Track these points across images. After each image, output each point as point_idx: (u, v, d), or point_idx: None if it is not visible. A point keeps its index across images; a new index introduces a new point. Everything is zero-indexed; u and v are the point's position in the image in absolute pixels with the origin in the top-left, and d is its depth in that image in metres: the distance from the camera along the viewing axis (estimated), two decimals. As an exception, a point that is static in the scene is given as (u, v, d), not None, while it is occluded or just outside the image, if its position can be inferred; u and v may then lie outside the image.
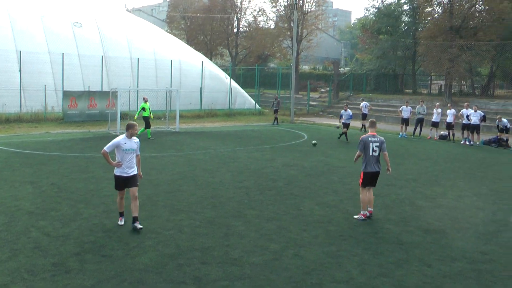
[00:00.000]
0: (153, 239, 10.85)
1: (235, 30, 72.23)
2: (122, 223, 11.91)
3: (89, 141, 26.22)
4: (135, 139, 11.80)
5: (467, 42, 41.93)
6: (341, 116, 30.04)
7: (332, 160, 22.09)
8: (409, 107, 33.09)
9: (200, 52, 55.36)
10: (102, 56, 39.85)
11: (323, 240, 11.14)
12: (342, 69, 74.71)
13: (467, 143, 30.01)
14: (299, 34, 60.91)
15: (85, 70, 39.54)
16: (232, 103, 47.43)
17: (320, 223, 12.50)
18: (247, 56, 71.70)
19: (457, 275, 9.33)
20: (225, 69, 55.33)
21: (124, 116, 32.98)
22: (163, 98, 35.16)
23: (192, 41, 70.30)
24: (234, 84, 49.06)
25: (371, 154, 12.75)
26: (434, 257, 10.26)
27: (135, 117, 28.54)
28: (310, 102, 52.31)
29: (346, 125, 29.59)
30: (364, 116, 36.55)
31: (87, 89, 37.44)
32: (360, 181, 12.96)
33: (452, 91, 46.74)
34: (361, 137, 13.07)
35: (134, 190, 11.68)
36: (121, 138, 11.63)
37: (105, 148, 11.54)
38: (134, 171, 11.78)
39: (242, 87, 52.04)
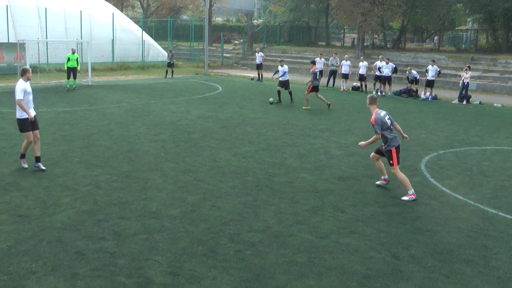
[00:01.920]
0: (70, 196, 10.70)
1: (146, -20, 70.53)
2: (26, 165, 12.76)
3: (-3, 96, 25.27)
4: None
5: (379, -4, 42.68)
6: (276, 72, 27.45)
7: (247, 111, 22.25)
8: (322, 59, 33.54)
9: (110, 3, 53.77)
10: (6, 6, 37.95)
11: (240, 191, 11.33)
12: (255, 21, 74.49)
13: (379, 94, 30.87)
14: (212, -15, 60.18)
15: (-13, 20, 37.63)
16: (145, 55, 46.64)
17: (236, 174, 12.67)
18: (159, 8, 70.29)
19: (369, 219, 9.79)
20: (136, 21, 54.11)
21: (34, 69, 31.83)
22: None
23: (101, -9, 68.13)
24: (146, 36, 48.13)
25: (391, 127, 11.42)
26: (348, 203, 10.68)
27: (65, 68, 28.84)
28: (224, 54, 52.16)
29: (283, 84, 26.09)
30: (259, 67, 37.18)
31: (-7, 41, 35.76)
32: (395, 160, 11.32)
33: (365, 44, 47.65)
34: (374, 118, 11.32)
35: (38, 132, 12.83)
36: (24, 84, 12.42)
37: (18, 97, 12.19)
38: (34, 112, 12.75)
39: (155, 40, 51.12)
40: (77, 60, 28.86)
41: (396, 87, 32.40)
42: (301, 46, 53.08)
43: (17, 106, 12.44)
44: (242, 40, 55.38)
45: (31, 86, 12.70)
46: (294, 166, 13.47)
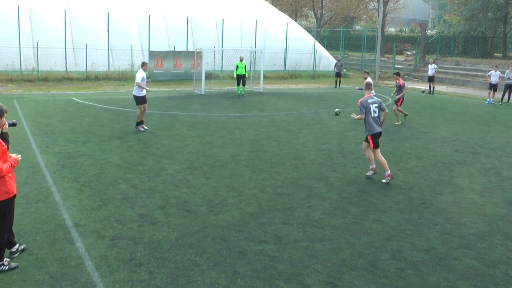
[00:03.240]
0: (235, 198, 11.09)
1: (321, -9, 71.21)
2: (143, 129, 18.17)
3: (175, 99, 26.75)
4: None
5: None
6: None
7: (415, 125, 21.65)
8: (498, 72, 31.73)
9: (285, 13, 54.95)
10: (187, 17, 40.29)
11: (404, 207, 11.02)
12: (429, 31, 72.34)
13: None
14: (386, -5, 59.42)
15: (170, 31, 40.22)
16: (316, 65, 47.06)
17: (401, 189, 12.36)
18: (332, 18, 70.67)
19: (545, 251, 8.99)
20: (309, 31, 54.78)
21: (208, 75, 33.40)
22: (247, 59, 35.28)
23: (277, 2, 69.80)
24: (318, 46, 48.54)
25: (372, 115, 12.74)
26: (520, 231, 9.94)
27: (234, 76, 30.23)
28: (396, 65, 51.21)
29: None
30: (431, 79, 35.81)
31: (173, 49, 38.07)
32: (371, 145, 12.90)
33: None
34: (360, 100, 12.87)
35: (146, 105, 18.50)
36: (143, 73, 18.15)
37: (138, 80, 18.01)
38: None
39: (327, 49, 51.44)
40: (245, 67, 29.99)
41: None
42: (475, 58, 50.65)
43: (136, 87, 18.20)
44: (414, 51, 54.07)
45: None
46: (462, 186, 12.87)
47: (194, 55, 34.64)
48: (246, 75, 30.39)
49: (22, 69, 33.93)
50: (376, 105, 12.80)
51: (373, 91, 13.15)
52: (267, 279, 7.46)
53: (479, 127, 21.88)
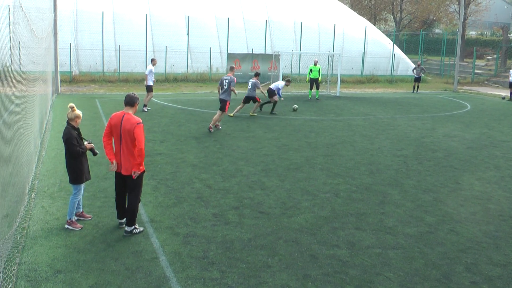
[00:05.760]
0: (309, 201, 11.08)
1: (400, -6, 70.14)
2: (147, 110, 22.63)
3: (251, 101, 26.96)
4: None
5: None
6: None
7: (495, 133, 21.01)
8: None
9: (363, 17, 54.40)
10: (266, 21, 40.59)
11: (481, 218, 10.65)
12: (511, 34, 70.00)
13: None
14: (468, -3, 57.83)
15: (249, 33, 40.64)
16: (394, 69, 46.39)
17: (478, 199, 11.99)
18: (412, 21, 69.49)
19: None
20: (388, 35, 54.02)
21: (285, 78, 33.46)
22: (324, 63, 35.18)
23: (356, 6, 69.28)
24: (397, 50, 47.78)
25: (223, 87, 18.59)
26: None
27: (307, 80, 30.02)
28: (475, 70, 49.81)
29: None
30: (510, 85, 34.39)
31: (251, 52, 38.43)
32: (226, 109, 18.70)
33: None
34: (222, 78, 18.96)
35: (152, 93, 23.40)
36: (152, 67, 22.85)
37: (146, 72, 22.89)
38: None
39: (405, 53, 50.55)
40: (319, 71, 29.75)
41: None
42: None
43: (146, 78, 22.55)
44: (495, 56, 52.40)
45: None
46: (545, 196, 12.41)
47: (272, 58, 34.89)
48: (320, 79, 30.17)
49: (105, 71, 35.16)
50: (227, 80, 18.54)
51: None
52: (337, 284, 7.44)
53: None
